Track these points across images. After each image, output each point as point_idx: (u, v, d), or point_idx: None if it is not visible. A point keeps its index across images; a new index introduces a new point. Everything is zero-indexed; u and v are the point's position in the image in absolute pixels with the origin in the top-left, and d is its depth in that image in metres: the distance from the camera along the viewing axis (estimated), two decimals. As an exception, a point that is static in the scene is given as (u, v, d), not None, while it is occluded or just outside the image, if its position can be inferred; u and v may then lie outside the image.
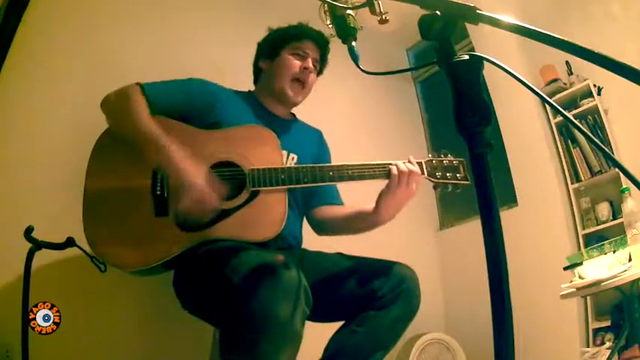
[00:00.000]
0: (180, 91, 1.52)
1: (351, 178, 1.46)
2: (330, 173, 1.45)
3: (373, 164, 1.48)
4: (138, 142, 1.34)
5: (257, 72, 1.77)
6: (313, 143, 1.76)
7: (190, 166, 1.30)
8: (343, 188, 1.72)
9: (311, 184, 1.44)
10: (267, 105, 1.68)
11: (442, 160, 1.56)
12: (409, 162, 1.48)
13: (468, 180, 1.55)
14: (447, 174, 1.54)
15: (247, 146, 1.45)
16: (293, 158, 1.59)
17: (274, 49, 1.68)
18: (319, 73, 1.77)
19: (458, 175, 1.55)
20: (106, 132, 1.45)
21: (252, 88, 1.77)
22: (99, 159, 1.41)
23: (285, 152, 1.56)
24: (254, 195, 1.39)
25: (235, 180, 1.41)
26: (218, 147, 1.43)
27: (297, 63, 1.64)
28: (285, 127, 1.64)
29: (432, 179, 1.52)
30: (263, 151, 1.46)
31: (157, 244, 1.31)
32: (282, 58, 1.65)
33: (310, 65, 1.65)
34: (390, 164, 1.47)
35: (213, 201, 1.31)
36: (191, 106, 1.50)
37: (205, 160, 1.40)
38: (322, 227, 1.68)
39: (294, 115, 1.79)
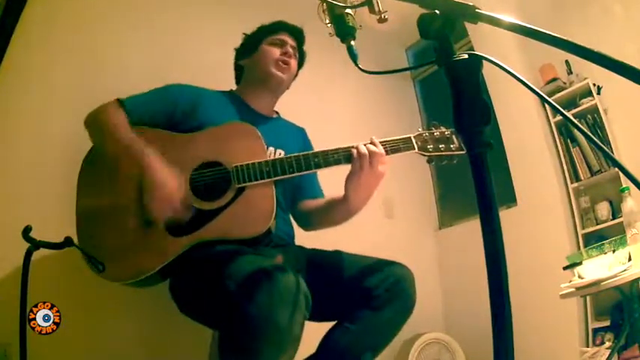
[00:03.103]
0: (160, 100, 1.53)
1: (338, 161, 1.43)
2: (316, 159, 1.43)
3: (357, 145, 1.44)
4: (117, 154, 1.36)
5: (238, 72, 1.80)
6: (298, 139, 1.77)
7: (164, 169, 1.33)
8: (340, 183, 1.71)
9: (297, 174, 1.42)
10: (250, 102, 1.69)
11: (433, 132, 1.53)
12: (371, 143, 1.45)
13: (462, 149, 1.49)
14: (440, 146, 1.51)
15: (229, 143, 1.44)
16: (280, 154, 1.59)
17: (252, 45, 1.74)
18: (299, 64, 1.81)
19: (451, 145, 1.52)
20: (92, 148, 1.46)
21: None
22: (87, 176, 1.43)
23: (272, 148, 1.56)
24: (240, 192, 1.39)
25: (221, 179, 1.40)
26: (200, 148, 1.44)
27: (276, 50, 1.69)
28: (269, 123, 1.65)
29: (424, 153, 1.50)
30: (244, 146, 1.45)
31: (150, 253, 1.31)
32: (260, 49, 1.70)
33: (289, 50, 1.70)
34: (352, 147, 1.44)
35: (176, 200, 1.31)
36: (172, 111, 1.51)
37: (188, 163, 1.41)
38: (304, 221, 1.69)
39: (277, 112, 1.80)
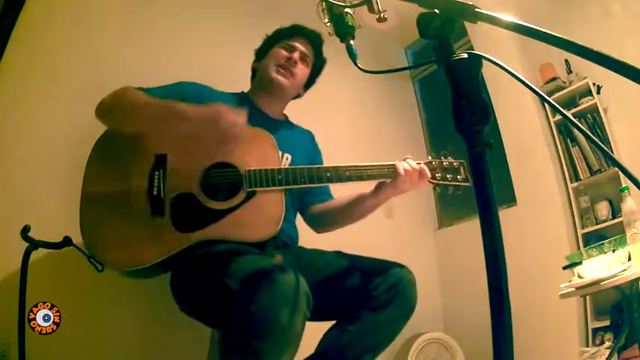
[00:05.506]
0: (170, 95, 1.52)
1: (349, 179, 1.47)
2: (328, 174, 1.46)
3: (371, 165, 1.49)
4: (142, 117, 1.36)
5: (252, 74, 1.81)
6: (306, 143, 1.78)
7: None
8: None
9: (308, 185, 1.45)
10: (260, 104, 1.69)
11: (442, 162, 1.57)
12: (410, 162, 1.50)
13: (468, 182, 1.56)
14: (447, 175, 1.55)
15: (244, 147, 1.45)
16: (287, 158, 1.60)
17: (265, 49, 1.75)
18: (316, 72, 1.81)
19: (458, 176, 1.56)
20: (103, 136, 1.45)
21: (246, 89, 1.79)
22: (96, 162, 1.41)
23: (280, 152, 1.56)
24: (251, 195, 1.39)
25: (232, 181, 1.40)
26: (214, 148, 1.44)
27: (283, 53, 1.68)
28: (277, 127, 1.65)
29: (432, 180, 1.53)
30: (260, 152, 1.46)
31: (154, 244, 1.30)
32: (270, 53, 1.71)
33: (295, 56, 1.68)
34: (391, 164, 1.48)
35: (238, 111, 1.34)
36: None
37: (202, 161, 1.41)
38: (320, 222, 1.70)
39: (286, 116, 1.80)
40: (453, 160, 1.58)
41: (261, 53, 1.77)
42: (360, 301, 1.38)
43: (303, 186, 1.44)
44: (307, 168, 1.46)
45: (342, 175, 1.46)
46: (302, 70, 1.71)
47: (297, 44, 1.71)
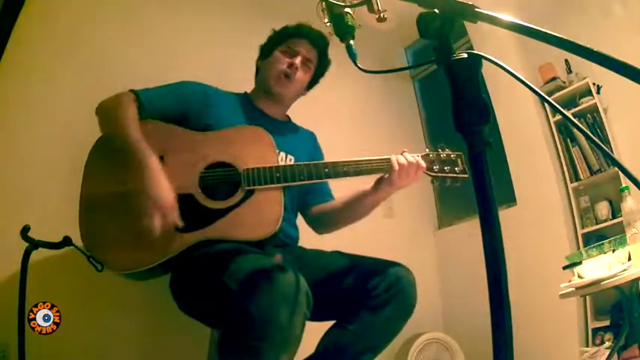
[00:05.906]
0: (173, 94, 1.53)
1: (347, 174, 1.47)
2: (326, 170, 1.46)
3: (369, 159, 1.49)
4: (123, 150, 1.34)
5: (256, 72, 1.80)
6: (308, 145, 1.78)
7: (162, 178, 1.29)
8: (339, 184, 1.72)
9: (307, 182, 1.44)
10: (261, 106, 1.69)
11: (439, 154, 1.57)
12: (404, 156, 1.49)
13: (466, 173, 1.55)
14: (445, 167, 1.54)
15: (242, 146, 1.45)
16: (290, 159, 1.60)
17: (269, 48, 1.72)
18: (320, 73, 1.79)
19: (456, 168, 1.56)
20: (102, 137, 1.46)
21: (249, 89, 1.78)
22: (96, 162, 1.42)
23: (282, 153, 1.57)
24: (249, 194, 1.39)
25: (230, 180, 1.41)
26: (212, 148, 1.44)
27: (285, 59, 1.66)
28: (279, 128, 1.64)
29: (430, 173, 1.53)
30: (257, 151, 1.46)
31: (153, 246, 1.29)
32: (273, 55, 1.68)
33: (297, 62, 1.66)
34: (389, 158, 1.48)
35: (169, 220, 1.26)
36: (185, 108, 1.52)
37: (200, 161, 1.41)
38: (322, 223, 1.70)
39: (288, 117, 1.80)
40: (450, 152, 1.58)
41: (266, 51, 1.74)
42: (359, 300, 1.38)
43: (302, 183, 1.44)
44: (305, 164, 1.45)
45: (340, 170, 1.46)
46: (301, 77, 1.69)
47: (300, 48, 1.68)
